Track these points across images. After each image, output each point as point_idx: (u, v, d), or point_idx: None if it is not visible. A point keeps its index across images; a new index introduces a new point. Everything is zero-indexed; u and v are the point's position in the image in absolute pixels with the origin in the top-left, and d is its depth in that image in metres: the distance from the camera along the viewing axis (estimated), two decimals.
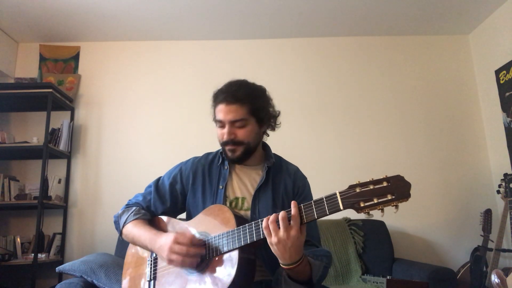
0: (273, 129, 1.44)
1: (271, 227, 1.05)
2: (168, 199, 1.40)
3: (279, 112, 1.44)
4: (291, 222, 1.04)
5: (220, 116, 1.32)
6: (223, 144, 1.34)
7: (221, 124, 1.33)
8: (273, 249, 1.06)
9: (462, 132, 3.19)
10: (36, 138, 2.89)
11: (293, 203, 1.06)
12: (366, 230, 2.68)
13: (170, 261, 1.17)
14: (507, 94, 2.89)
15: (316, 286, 1.18)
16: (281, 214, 1.05)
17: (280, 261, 1.08)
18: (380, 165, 3.09)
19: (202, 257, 1.17)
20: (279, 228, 1.04)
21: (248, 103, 1.32)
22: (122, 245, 2.46)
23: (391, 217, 2.89)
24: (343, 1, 2.87)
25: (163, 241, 1.19)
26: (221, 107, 1.32)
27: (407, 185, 0.95)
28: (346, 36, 3.37)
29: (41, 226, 2.67)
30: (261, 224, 1.09)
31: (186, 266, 1.16)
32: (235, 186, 1.36)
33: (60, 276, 2.77)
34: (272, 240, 1.05)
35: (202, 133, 3.10)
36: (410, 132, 3.18)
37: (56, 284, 1.91)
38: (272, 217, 1.06)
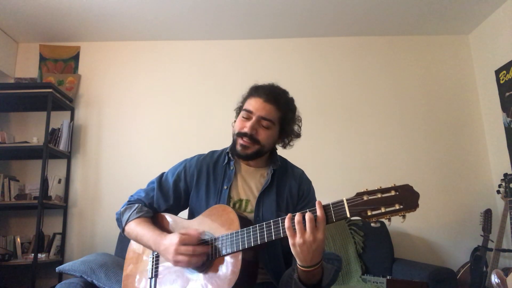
0: (284, 146, 1.44)
1: (297, 227, 1.02)
2: (171, 196, 1.38)
3: (300, 135, 1.44)
4: (318, 223, 1.01)
5: (251, 107, 1.31)
6: (240, 135, 1.31)
7: (248, 115, 1.32)
8: (295, 250, 1.03)
9: (462, 132, 3.19)
10: (36, 138, 2.89)
11: (317, 204, 1.03)
12: (366, 230, 2.68)
13: (176, 263, 1.15)
14: (507, 94, 2.89)
15: None
16: (308, 215, 1.02)
17: (299, 262, 1.06)
18: (380, 165, 3.09)
19: (208, 256, 1.17)
20: (305, 229, 1.01)
21: (283, 111, 1.33)
22: (122, 245, 2.46)
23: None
24: (343, 1, 2.87)
25: (168, 243, 1.17)
26: (257, 100, 1.32)
27: (416, 195, 0.95)
28: (346, 36, 3.37)
29: (41, 226, 2.67)
30: (278, 223, 1.06)
31: (192, 265, 1.15)
32: (239, 188, 1.35)
33: (60, 276, 2.77)
34: (296, 241, 1.01)
35: (202, 133, 3.11)
36: (410, 132, 3.18)
37: (56, 284, 1.92)
38: (297, 216, 1.03)
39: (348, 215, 0.98)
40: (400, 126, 3.20)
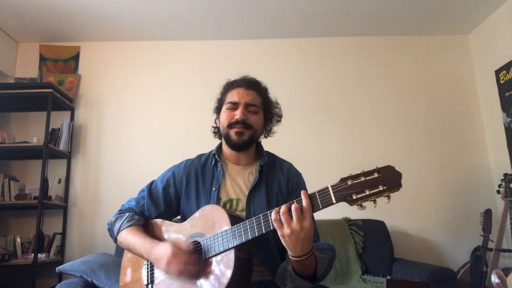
0: (266, 135, 1.47)
1: (283, 218, 1.03)
2: (161, 203, 1.39)
3: (280, 118, 1.49)
4: (303, 212, 1.03)
5: (235, 98, 1.35)
6: (232, 124, 1.34)
7: (233, 106, 1.35)
8: (285, 240, 1.04)
9: (462, 132, 3.19)
10: (36, 138, 2.89)
11: (303, 193, 1.05)
12: (366, 230, 2.68)
13: (169, 272, 1.17)
14: (507, 94, 2.89)
15: (319, 280, 1.17)
16: (293, 205, 1.04)
17: (290, 253, 1.07)
18: (380, 165, 3.07)
19: (199, 265, 1.17)
20: (291, 219, 1.03)
21: (263, 96, 1.40)
22: None
23: (391, 217, 2.89)
24: (343, 1, 2.87)
25: (159, 253, 1.18)
26: (238, 90, 1.37)
27: (398, 175, 0.96)
28: (346, 36, 3.37)
29: (41, 226, 2.67)
30: (268, 216, 1.08)
31: (185, 275, 1.16)
32: (228, 188, 1.35)
33: (60, 276, 2.77)
34: (284, 232, 1.03)
35: (202, 133, 3.09)
36: (410, 132, 3.18)
37: (56, 284, 1.91)
38: (283, 208, 1.04)
39: (334, 201, 0.99)
40: (400, 126, 3.20)
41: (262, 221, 1.09)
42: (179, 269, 1.13)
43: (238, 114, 1.32)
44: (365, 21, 3.16)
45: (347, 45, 3.37)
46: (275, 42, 3.37)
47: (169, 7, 2.91)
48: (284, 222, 1.03)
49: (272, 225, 1.06)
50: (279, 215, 1.04)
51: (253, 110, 1.35)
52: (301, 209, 1.03)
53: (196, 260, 1.15)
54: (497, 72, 2.99)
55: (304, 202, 1.03)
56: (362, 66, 3.32)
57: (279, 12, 3.00)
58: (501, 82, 2.96)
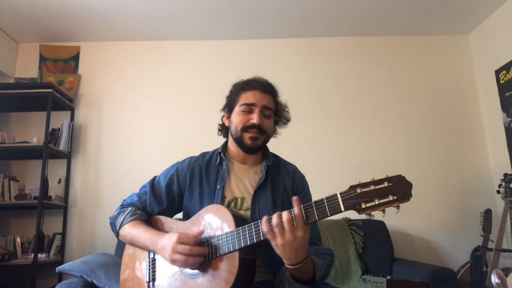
0: (273, 135, 1.46)
1: (276, 230, 1.02)
2: (164, 200, 1.38)
3: (288, 121, 1.49)
4: (295, 222, 1.01)
5: (252, 99, 1.33)
6: (248, 127, 1.32)
7: (249, 108, 1.33)
8: (279, 250, 1.04)
9: (462, 132, 3.19)
10: (36, 138, 2.88)
11: (295, 200, 1.03)
12: (366, 230, 2.68)
13: (173, 261, 1.15)
14: (507, 94, 2.89)
15: (319, 284, 1.17)
16: (285, 215, 1.02)
17: (285, 261, 1.07)
18: (380, 165, 3.09)
19: (204, 257, 1.16)
20: (284, 229, 1.02)
21: (276, 101, 1.41)
22: (122, 245, 2.45)
23: (392, 217, 2.89)
24: (343, 1, 2.87)
25: (166, 241, 1.17)
26: (254, 92, 1.34)
27: (409, 185, 0.94)
28: (346, 36, 3.37)
29: (41, 226, 2.67)
30: (261, 227, 1.07)
31: (189, 265, 1.14)
32: (233, 186, 1.35)
33: (60, 276, 2.77)
34: (277, 243, 1.02)
35: (201, 133, 3.11)
36: (410, 132, 3.18)
37: (56, 284, 1.91)
38: (275, 220, 1.03)
39: (342, 209, 0.97)
40: (400, 126, 3.20)
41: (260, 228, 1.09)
42: (184, 258, 1.12)
43: (255, 119, 1.31)
44: (365, 21, 3.16)
45: (347, 45, 3.37)
46: (275, 42, 3.37)
47: (169, 7, 2.91)
48: (278, 233, 1.02)
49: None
50: (271, 225, 1.03)
51: (268, 114, 1.35)
52: (293, 219, 1.01)
53: (200, 251, 1.14)
54: (497, 72, 2.99)
55: (296, 211, 1.02)
56: (362, 66, 3.32)
57: (279, 12, 3.00)
58: (501, 82, 2.96)
